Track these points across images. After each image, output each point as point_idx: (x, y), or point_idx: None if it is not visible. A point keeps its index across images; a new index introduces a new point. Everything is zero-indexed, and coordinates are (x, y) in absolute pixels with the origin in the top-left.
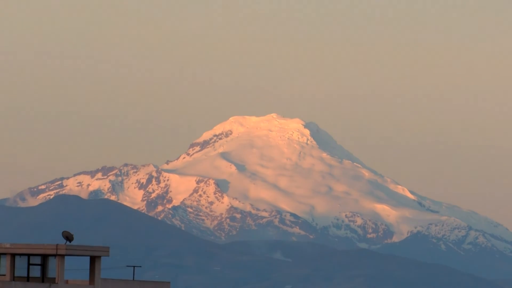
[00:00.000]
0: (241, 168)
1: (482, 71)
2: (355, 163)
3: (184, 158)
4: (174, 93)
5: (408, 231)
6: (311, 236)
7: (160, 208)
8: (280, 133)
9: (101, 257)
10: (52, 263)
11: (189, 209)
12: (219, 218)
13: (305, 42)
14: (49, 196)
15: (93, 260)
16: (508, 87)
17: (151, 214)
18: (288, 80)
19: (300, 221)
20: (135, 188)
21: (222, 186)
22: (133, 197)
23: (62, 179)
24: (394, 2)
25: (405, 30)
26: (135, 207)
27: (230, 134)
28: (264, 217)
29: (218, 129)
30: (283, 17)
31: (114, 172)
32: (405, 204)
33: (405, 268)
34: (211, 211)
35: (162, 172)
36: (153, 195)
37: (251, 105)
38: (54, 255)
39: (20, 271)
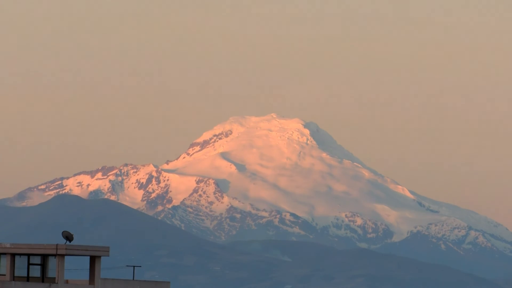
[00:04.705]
0: (241, 168)
1: (480, 72)
2: (355, 163)
3: (184, 158)
4: (174, 93)
5: (408, 231)
6: (311, 236)
7: (160, 208)
8: (280, 133)
9: (101, 257)
10: (52, 263)
11: (189, 209)
12: (219, 218)
13: (305, 42)
14: (49, 196)
15: (93, 260)
16: (507, 87)
17: (151, 214)
18: (288, 80)
19: (300, 221)
20: (135, 188)
21: (222, 186)
22: (133, 197)
23: (62, 179)
24: (394, 3)
25: (405, 30)
26: (135, 207)
27: (230, 134)
28: (264, 217)
29: (218, 129)
30: (283, 18)
31: (114, 172)
32: (405, 204)
33: (405, 268)
34: (211, 211)
35: (162, 172)
36: (153, 195)
37: (251, 105)
38: (54, 255)
39: (20, 271)
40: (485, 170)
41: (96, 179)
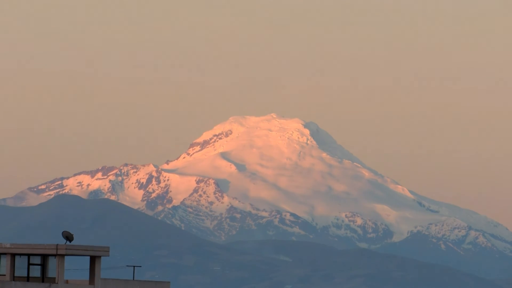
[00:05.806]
0: (241, 168)
1: (480, 72)
2: (355, 163)
3: (184, 158)
4: (174, 93)
5: (408, 231)
6: (311, 236)
7: (160, 208)
8: (280, 133)
9: (101, 257)
10: (52, 263)
11: (189, 209)
12: (219, 218)
13: (305, 42)
14: (49, 196)
15: (93, 260)
16: (507, 87)
17: (151, 214)
18: (288, 80)
19: (300, 221)
20: (135, 188)
21: (222, 186)
22: (133, 197)
23: (62, 179)
24: (394, 3)
25: (405, 30)
26: (135, 207)
27: (230, 134)
28: (264, 217)
29: (218, 129)
30: (282, 17)
31: (114, 172)
32: (405, 204)
33: (405, 268)
34: (211, 211)
35: (162, 172)
36: (153, 195)
37: (251, 105)
38: (54, 255)
39: (20, 271)
40: (485, 170)
41: (96, 179)
